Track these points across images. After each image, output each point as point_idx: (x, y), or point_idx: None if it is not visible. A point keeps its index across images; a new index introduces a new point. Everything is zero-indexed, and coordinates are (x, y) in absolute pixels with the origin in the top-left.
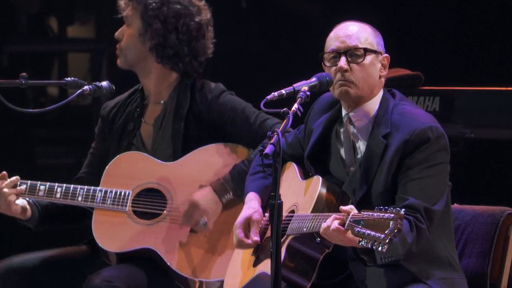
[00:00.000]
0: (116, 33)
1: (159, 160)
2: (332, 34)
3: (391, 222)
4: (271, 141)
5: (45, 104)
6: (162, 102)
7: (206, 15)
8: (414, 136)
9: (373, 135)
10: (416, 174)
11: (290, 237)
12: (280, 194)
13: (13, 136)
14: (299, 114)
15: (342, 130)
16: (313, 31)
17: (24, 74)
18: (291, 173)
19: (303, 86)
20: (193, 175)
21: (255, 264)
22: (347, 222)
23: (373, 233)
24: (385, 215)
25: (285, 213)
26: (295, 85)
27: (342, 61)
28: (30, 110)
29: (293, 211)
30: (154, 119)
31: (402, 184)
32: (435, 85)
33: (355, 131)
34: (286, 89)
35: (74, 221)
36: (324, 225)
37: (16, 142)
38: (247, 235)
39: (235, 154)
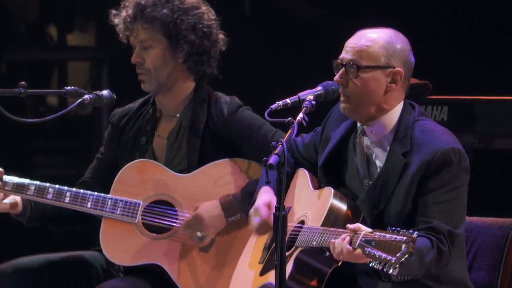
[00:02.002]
0: (134, 58)
1: (172, 171)
2: (346, 41)
3: (403, 245)
4: (276, 151)
5: (45, 114)
6: (177, 115)
7: (210, 10)
8: (436, 158)
9: (392, 152)
10: (438, 196)
11: (298, 249)
12: (286, 204)
13: (12, 146)
14: (304, 124)
15: (357, 141)
16: (318, 38)
17: (23, 83)
18: (302, 180)
19: (308, 95)
20: (205, 190)
21: (262, 273)
22: (358, 241)
23: (384, 255)
24: (398, 237)
25: (294, 223)
26: (300, 94)
27: (338, 74)
28: (29, 119)
29: (302, 222)
30: (168, 132)
31: (424, 207)
32: (443, 94)
33: (369, 143)
34: (290, 98)
35: (68, 224)
36: (333, 242)
37: (14, 152)
38: (270, 217)
39: (249, 170)
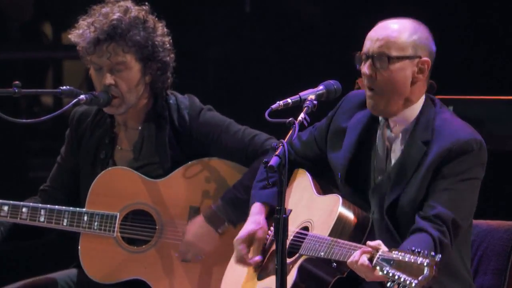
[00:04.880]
0: (109, 81)
1: (146, 177)
2: (369, 33)
3: (426, 269)
4: (277, 153)
5: (39, 114)
6: (139, 128)
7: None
8: (457, 146)
9: (412, 139)
10: (449, 184)
11: (303, 257)
12: (286, 207)
13: (5, 147)
14: (306, 124)
15: (379, 132)
16: (320, 37)
17: (17, 82)
18: (303, 182)
19: (310, 94)
20: (181, 194)
21: (260, 277)
22: (375, 259)
23: (404, 276)
24: (419, 259)
25: (297, 228)
26: (301, 93)
27: (365, 66)
28: (24, 120)
29: (306, 228)
30: (132, 145)
31: (433, 192)
32: (448, 94)
33: (392, 135)
34: (291, 97)
35: (38, 236)
36: (352, 258)
37: (8, 154)
38: (249, 252)
39: (221, 168)
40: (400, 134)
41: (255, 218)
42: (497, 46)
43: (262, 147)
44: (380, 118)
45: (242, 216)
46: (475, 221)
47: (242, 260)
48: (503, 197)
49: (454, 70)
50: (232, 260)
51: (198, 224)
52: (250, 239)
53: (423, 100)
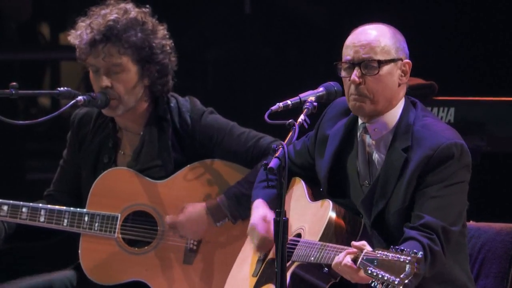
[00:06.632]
0: (105, 83)
1: (148, 178)
2: (348, 41)
3: (407, 266)
4: (276, 155)
5: (37, 115)
6: (140, 133)
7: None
8: (438, 152)
9: (393, 147)
10: (435, 192)
11: (295, 264)
12: (285, 211)
13: (2, 149)
14: (306, 126)
15: (359, 139)
16: (320, 38)
17: (14, 83)
18: (298, 190)
19: (310, 96)
20: (183, 196)
21: (256, 286)
22: (360, 259)
23: (387, 275)
24: (401, 257)
25: (290, 236)
26: (301, 95)
27: (354, 74)
28: (21, 121)
29: (299, 235)
30: (132, 150)
31: (420, 202)
32: (450, 95)
33: (371, 142)
34: (291, 99)
35: (43, 239)
36: (336, 259)
37: (5, 155)
38: (268, 231)
39: (224, 171)
40: (380, 141)
41: (258, 211)
42: (499, 47)
43: (268, 149)
44: (359, 124)
45: (245, 211)
46: (477, 224)
47: (263, 241)
48: (505, 199)
49: (456, 72)
50: (234, 268)
51: (197, 210)
52: (263, 220)
53: (403, 103)
